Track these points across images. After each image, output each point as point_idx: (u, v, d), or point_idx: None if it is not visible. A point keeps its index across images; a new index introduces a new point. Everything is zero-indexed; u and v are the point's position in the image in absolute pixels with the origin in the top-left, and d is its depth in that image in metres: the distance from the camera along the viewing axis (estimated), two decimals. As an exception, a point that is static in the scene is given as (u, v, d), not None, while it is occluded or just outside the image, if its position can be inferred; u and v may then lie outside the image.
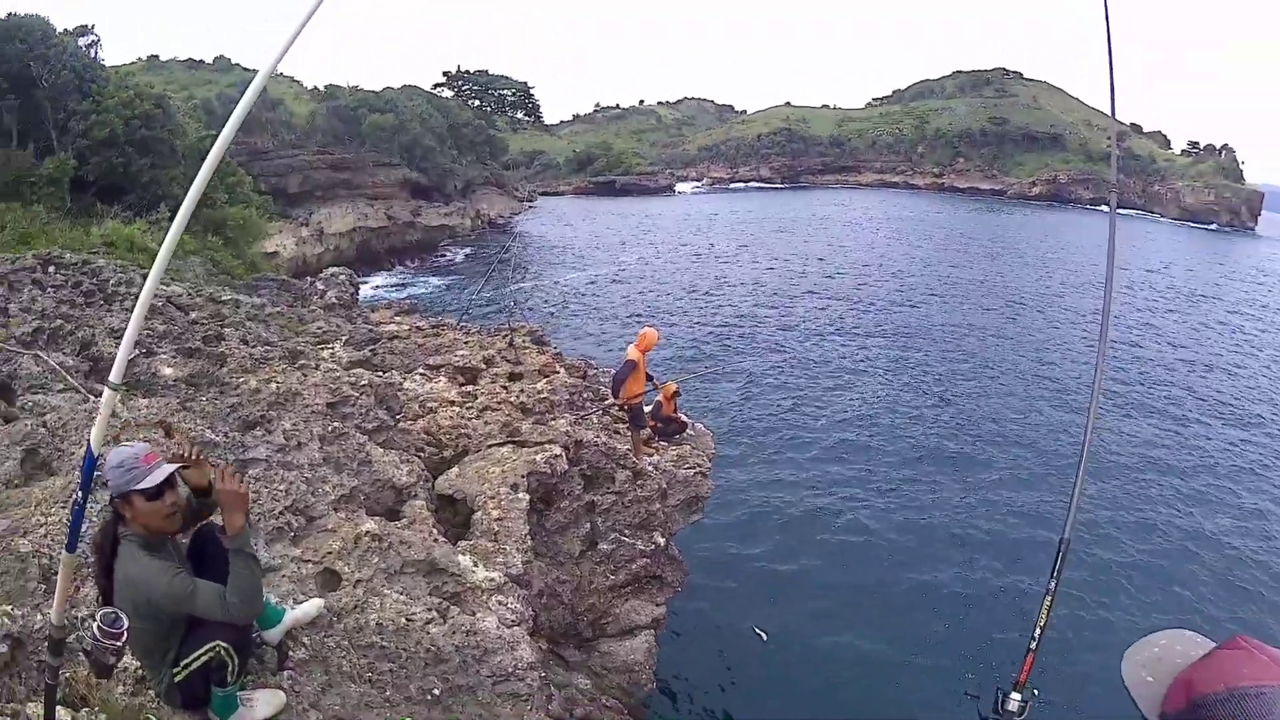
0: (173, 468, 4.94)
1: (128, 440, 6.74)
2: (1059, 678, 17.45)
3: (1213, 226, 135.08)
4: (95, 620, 4.31)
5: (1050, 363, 44.11)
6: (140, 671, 5.35)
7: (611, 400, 15.94)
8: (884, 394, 37.25)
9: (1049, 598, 4.62)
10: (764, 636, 16.51)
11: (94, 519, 6.55)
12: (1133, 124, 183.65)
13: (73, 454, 7.88)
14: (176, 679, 4.98)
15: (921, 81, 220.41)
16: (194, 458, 5.00)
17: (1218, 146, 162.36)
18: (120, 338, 12.25)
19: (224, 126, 3.16)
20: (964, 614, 20.47)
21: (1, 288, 13.90)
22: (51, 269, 15.72)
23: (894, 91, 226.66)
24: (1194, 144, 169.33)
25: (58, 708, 4.23)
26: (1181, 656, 2.05)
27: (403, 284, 65.78)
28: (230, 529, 4.83)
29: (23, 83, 33.26)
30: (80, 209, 31.66)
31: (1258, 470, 31.30)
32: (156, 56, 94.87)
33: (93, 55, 39.71)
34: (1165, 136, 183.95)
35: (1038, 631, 4.58)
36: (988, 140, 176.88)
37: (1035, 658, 4.60)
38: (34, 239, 24.02)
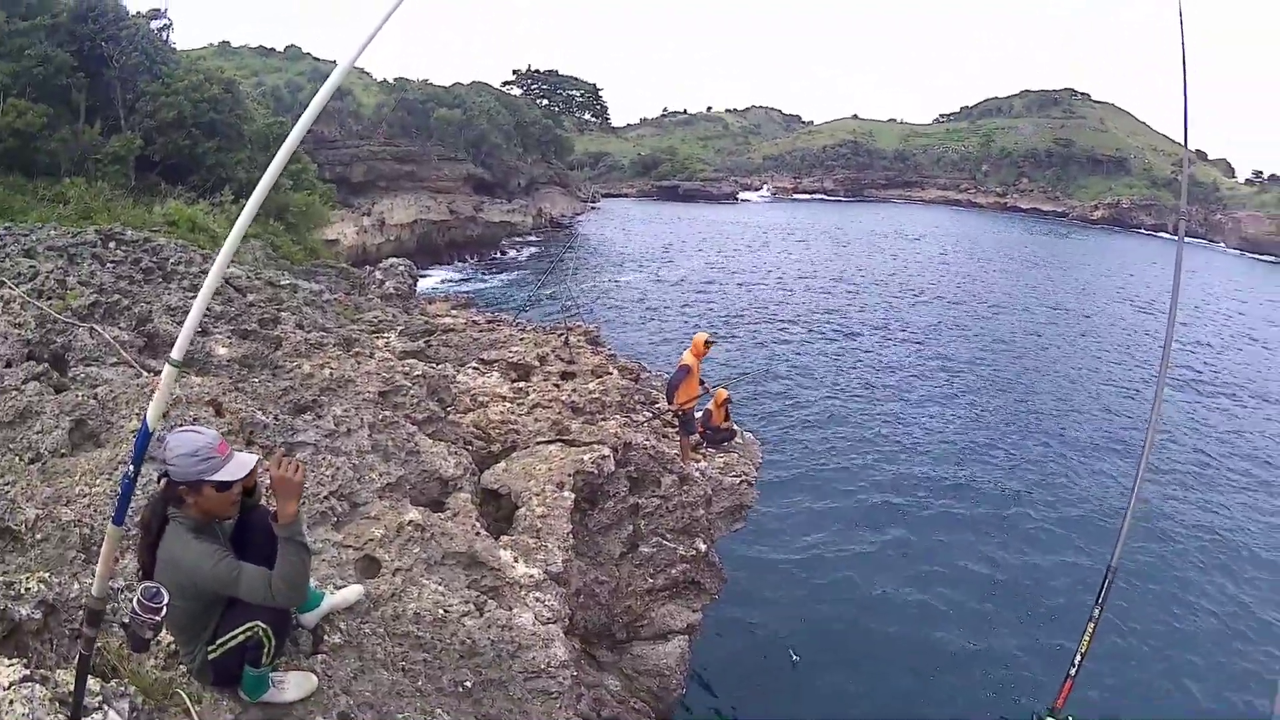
0: (254, 460, 5.02)
1: (180, 418, 6.77)
2: (1096, 704, 17.31)
3: (1272, 258, 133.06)
4: (136, 594, 4.31)
5: (1110, 388, 43.60)
6: (173, 646, 5.35)
7: (666, 406, 15.91)
8: (936, 413, 36.96)
9: (1092, 624, 4.55)
10: (796, 658, 16.38)
11: (141, 494, 6.62)
12: (1198, 150, 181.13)
13: (121, 427, 7.94)
14: (211, 656, 4.98)
15: (989, 99, 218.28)
16: (294, 476, 4.91)
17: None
18: (177, 315, 12.41)
19: (297, 115, 3.18)
20: (1003, 636, 20.28)
21: (61, 260, 14.05)
22: (112, 244, 15.87)
23: (961, 108, 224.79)
24: (1258, 173, 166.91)
25: (89, 679, 4.24)
26: None
27: (462, 278, 66.12)
28: (282, 517, 4.83)
29: (93, 62, 33.82)
30: (144, 188, 32.08)
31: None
32: (228, 42, 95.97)
33: (164, 38, 40.39)
34: (1229, 164, 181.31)
35: (1078, 658, 4.52)
36: (1052, 161, 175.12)
37: (1074, 684, 4.53)
38: (97, 214, 24.33)
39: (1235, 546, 26.48)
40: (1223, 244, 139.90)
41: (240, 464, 4.87)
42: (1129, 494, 4.83)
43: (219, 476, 4.75)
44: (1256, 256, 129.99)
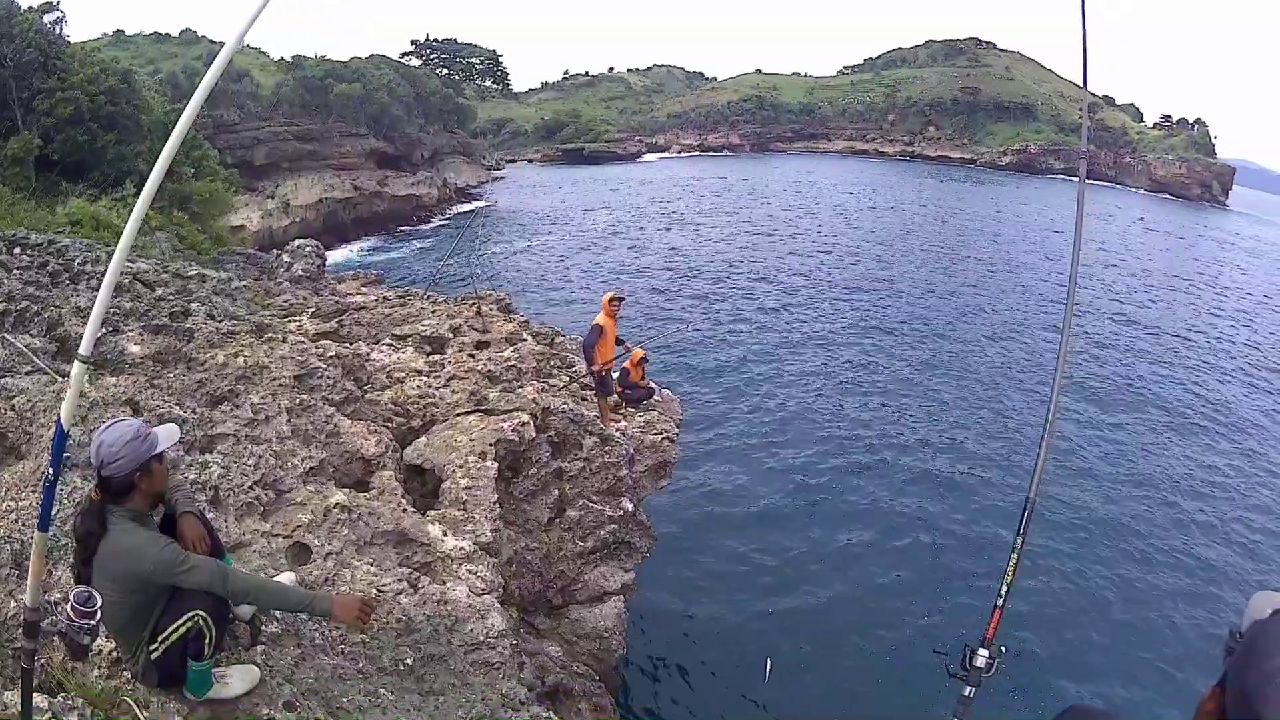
0: (178, 431, 5.30)
1: (99, 420, 6.77)
2: (1026, 635, 17.74)
3: (1181, 199, 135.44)
4: (69, 601, 4.34)
5: (1019, 328, 44.51)
6: (115, 653, 5.38)
7: (586, 369, 15.96)
8: (849, 358, 37.50)
9: (1015, 555, 4.66)
10: (768, 667, 16.45)
11: (63, 499, 6.61)
12: (1105, 96, 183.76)
13: (41, 436, 7.88)
14: (154, 655, 4.99)
15: (894, 50, 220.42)
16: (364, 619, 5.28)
17: (1190, 120, 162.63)
18: (87, 316, 12.26)
19: (189, 101, 3.20)
20: (929, 574, 20.72)
21: (-33, 271, 13.84)
22: (17, 250, 15.61)
23: (866, 60, 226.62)
24: (1166, 117, 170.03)
25: (34, 694, 4.27)
26: None
27: (371, 251, 65.72)
28: (336, 610, 5.14)
29: (-13, 63, 33.03)
30: (45, 188, 31.54)
31: (1218, 426, 31.79)
32: (122, 31, 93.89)
33: (58, 32, 39.36)
34: (1138, 109, 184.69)
35: (1004, 588, 4.62)
36: (959, 110, 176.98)
37: (1002, 614, 4.67)
38: (-1, 220, 23.89)
39: (1145, 472, 27.22)
40: (1134, 186, 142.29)
41: (168, 433, 5.09)
42: (1042, 429, 4.97)
43: (160, 447, 4.96)
44: (1166, 197, 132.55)
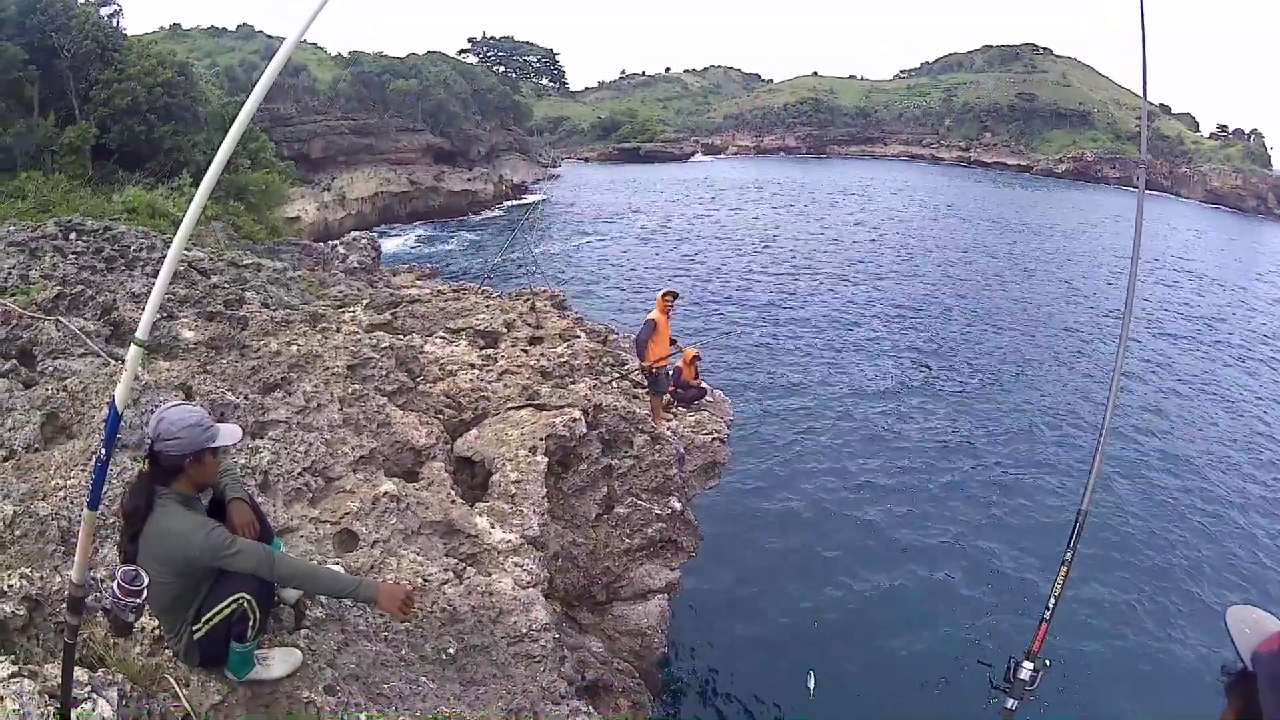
0: (239, 431, 5.33)
1: (151, 404, 6.83)
2: (1072, 651, 17.52)
3: (1237, 211, 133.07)
4: (115, 578, 4.35)
5: (1074, 337, 43.87)
6: (158, 631, 5.39)
7: (637, 364, 15.92)
8: (903, 366, 37.12)
9: (1064, 568, 4.58)
10: (812, 681, 16.31)
11: (114, 479, 6.65)
12: (1161, 104, 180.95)
13: (93, 417, 7.95)
14: (196, 636, 5.01)
15: (950, 55, 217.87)
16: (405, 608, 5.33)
17: (1246, 131, 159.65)
18: (141, 302, 12.38)
19: (248, 94, 3.20)
20: (978, 584, 20.43)
21: (23, 255, 14.01)
22: (73, 235, 15.80)
23: (922, 64, 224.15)
24: (1223, 127, 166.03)
25: (75, 668, 4.28)
26: (1275, 623, 2.44)
27: (425, 241, 66.07)
28: (380, 598, 5.18)
29: (44, 53, 33.57)
30: (102, 177, 32.00)
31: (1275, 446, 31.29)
32: (179, 25, 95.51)
33: (115, 24, 39.92)
34: (1194, 118, 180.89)
35: (1052, 601, 4.54)
36: (1015, 116, 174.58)
37: (1049, 628, 4.59)
38: (56, 207, 24.21)
39: (1201, 487, 26.82)
40: (1188, 197, 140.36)
41: (230, 432, 5.12)
42: (1096, 440, 4.88)
43: (219, 442, 5.00)
44: (1221, 209, 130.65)
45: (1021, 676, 4.44)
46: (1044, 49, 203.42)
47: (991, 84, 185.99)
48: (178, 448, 4.80)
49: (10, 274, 12.46)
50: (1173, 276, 63.40)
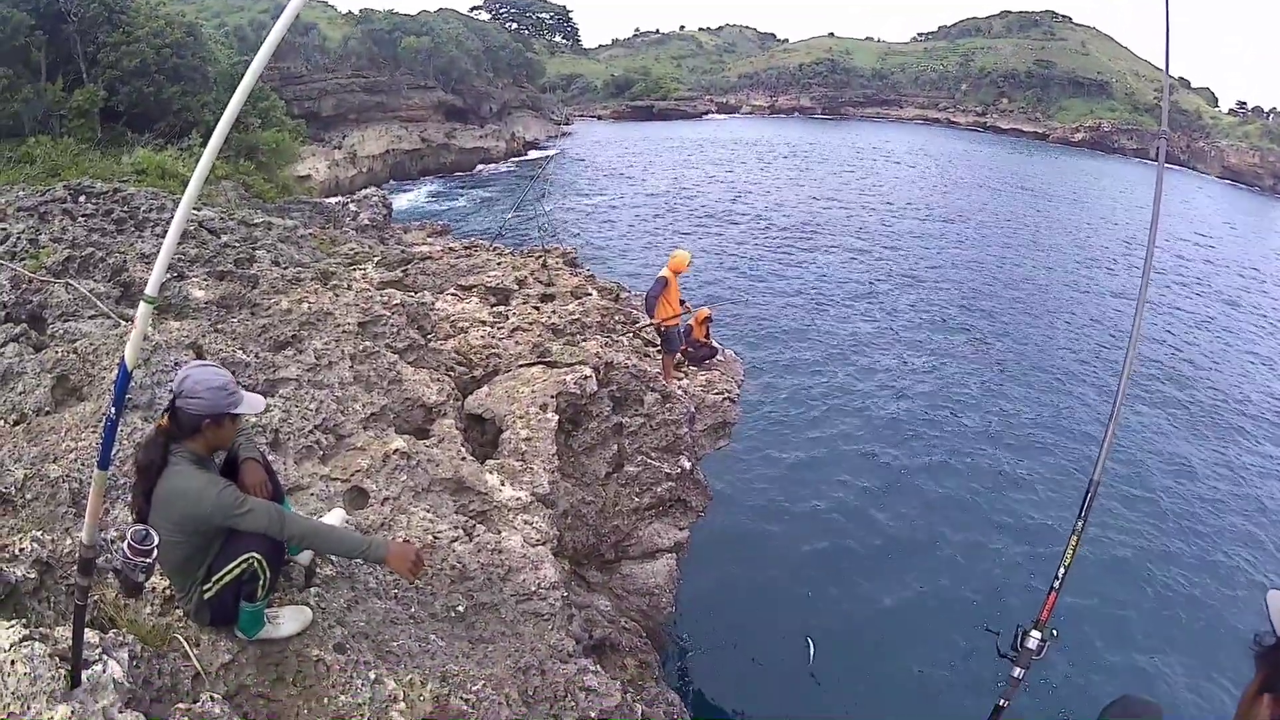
0: (264, 402, 5.45)
1: (161, 363, 6.83)
2: (1080, 619, 17.55)
3: (1255, 189, 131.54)
4: (125, 539, 4.38)
5: (1090, 310, 43.67)
6: (168, 591, 5.44)
7: (647, 321, 15.92)
8: (914, 332, 37.06)
9: (1075, 538, 4.58)
10: (811, 648, 16.34)
11: (123, 439, 6.67)
12: (1180, 78, 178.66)
13: (103, 379, 7.97)
14: (207, 595, 5.04)
15: (969, 19, 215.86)
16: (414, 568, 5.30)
17: (1266, 110, 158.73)
18: (151, 262, 12.38)
19: (256, 53, 3.17)
20: (987, 553, 20.47)
21: (31, 219, 14.08)
22: (81, 198, 15.82)
23: (940, 27, 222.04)
24: (1242, 104, 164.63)
25: (86, 630, 4.30)
26: None
27: (436, 197, 66.14)
28: (389, 558, 5.16)
29: (51, 18, 33.54)
30: (111, 139, 32.11)
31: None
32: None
33: (122, -13, 39.81)
34: (1213, 93, 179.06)
35: (1062, 571, 4.55)
36: (1033, 83, 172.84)
37: (1058, 597, 4.60)
38: (65, 170, 24.25)
39: (1215, 460, 26.78)
40: (1205, 171, 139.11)
41: (254, 401, 5.12)
42: (1110, 412, 4.86)
43: (241, 409, 5.02)
44: (1238, 185, 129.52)
45: (1029, 645, 4.47)
46: (1064, 17, 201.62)
47: (1009, 50, 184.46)
48: (199, 407, 4.82)
49: (20, 238, 12.49)
50: (1191, 251, 62.89)
